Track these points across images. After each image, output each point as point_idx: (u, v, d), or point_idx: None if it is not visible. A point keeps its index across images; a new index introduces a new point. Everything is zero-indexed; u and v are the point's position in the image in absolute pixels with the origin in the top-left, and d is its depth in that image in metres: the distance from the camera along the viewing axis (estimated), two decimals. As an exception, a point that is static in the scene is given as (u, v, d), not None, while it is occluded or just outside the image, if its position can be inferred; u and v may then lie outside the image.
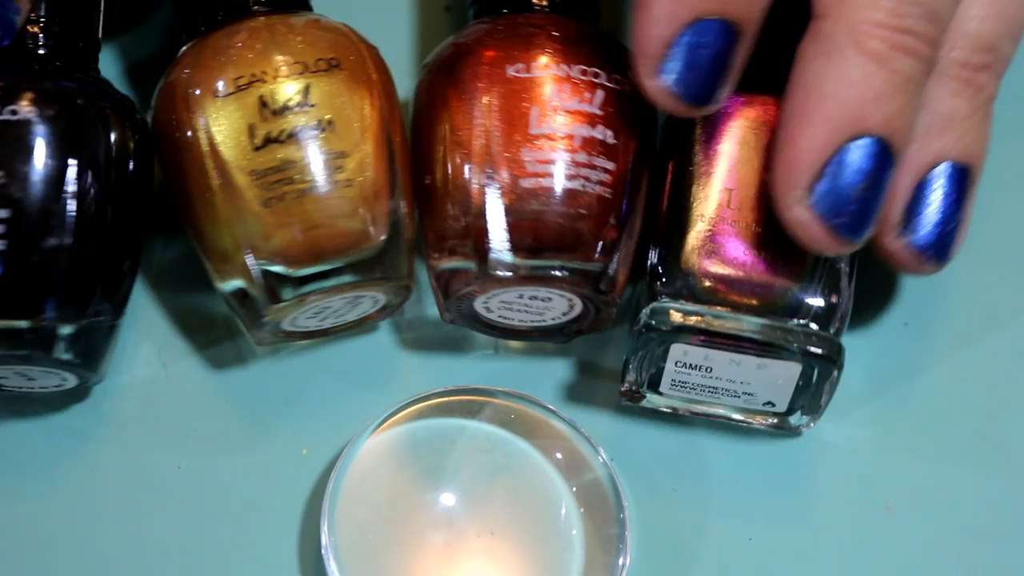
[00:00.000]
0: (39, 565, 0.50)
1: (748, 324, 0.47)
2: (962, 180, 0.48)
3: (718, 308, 0.48)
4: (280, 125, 0.47)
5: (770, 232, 0.48)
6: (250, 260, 0.47)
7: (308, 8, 0.51)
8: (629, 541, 0.50)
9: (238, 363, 0.52)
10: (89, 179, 0.47)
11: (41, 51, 0.48)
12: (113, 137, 0.48)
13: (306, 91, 0.47)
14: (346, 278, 0.48)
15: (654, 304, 0.48)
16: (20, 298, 0.46)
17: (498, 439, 0.51)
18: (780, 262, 0.48)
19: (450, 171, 0.48)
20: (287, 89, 0.47)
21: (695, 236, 0.48)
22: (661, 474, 0.52)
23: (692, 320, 0.47)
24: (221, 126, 0.47)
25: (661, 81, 0.46)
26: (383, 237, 0.48)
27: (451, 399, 0.51)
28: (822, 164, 0.45)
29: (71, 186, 0.46)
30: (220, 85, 0.47)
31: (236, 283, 0.48)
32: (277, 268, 0.47)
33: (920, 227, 0.47)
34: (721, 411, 0.51)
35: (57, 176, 0.46)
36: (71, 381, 0.49)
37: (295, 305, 0.48)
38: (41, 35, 0.48)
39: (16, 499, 0.51)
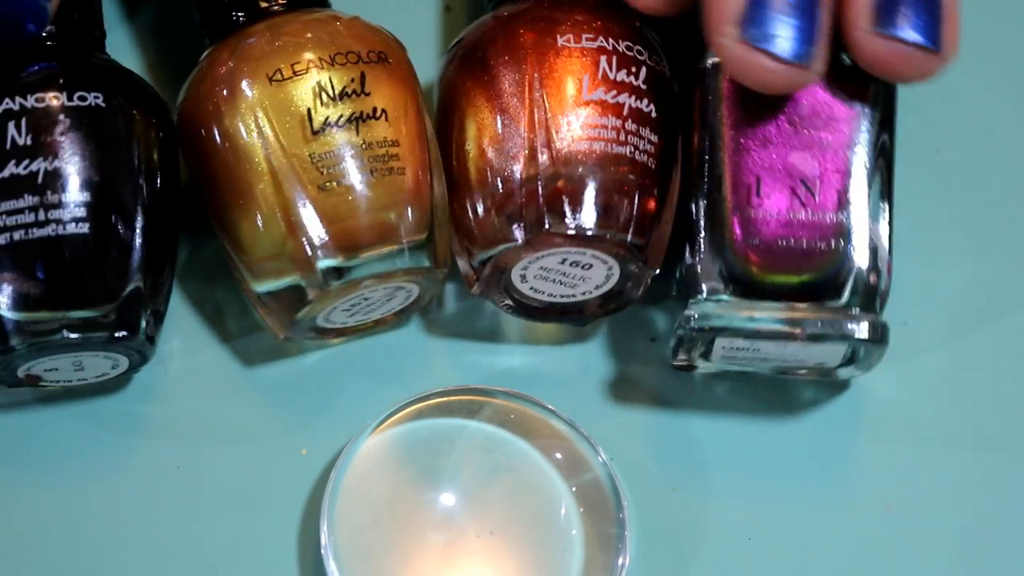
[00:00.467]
0: (37, 564, 0.50)
1: (790, 318, 0.48)
2: None
3: (760, 304, 0.48)
4: (338, 111, 0.48)
5: (807, 208, 0.48)
6: (306, 244, 0.47)
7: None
8: (628, 541, 0.50)
9: (238, 363, 0.52)
10: (154, 159, 0.48)
11: (51, 40, 0.49)
12: (154, 120, 0.49)
13: (362, 79, 0.48)
14: (399, 263, 0.48)
15: (696, 308, 0.48)
16: (107, 280, 0.47)
17: (498, 439, 0.51)
18: (818, 247, 0.48)
19: (493, 139, 0.49)
20: (344, 76, 0.48)
21: (732, 218, 0.49)
22: (661, 474, 0.52)
23: (734, 323, 0.48)
24: (276, 112, 0.48)
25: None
26: (431, 226, 0.49)
27: (451, 399, 0.51)
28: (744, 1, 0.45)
29: (142, 167, 0.48)
30: (274, 72, 0.48)
31: (279, 280, 0.48)
32: (330, 258, 0.47)
33: (894, 14, 0.45)
34: (771, 371, 0.51)
35: (128, 158, 0.47)
36: (122, 366, 0.49)
37: (345, 290, 0.48)
38: (58, 23, 0.49)
39: (14, 498, 0.51)
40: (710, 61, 0.50)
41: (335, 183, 0.47)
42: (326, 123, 0.48)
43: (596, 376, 0.53)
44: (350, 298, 0.49)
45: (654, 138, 0.49)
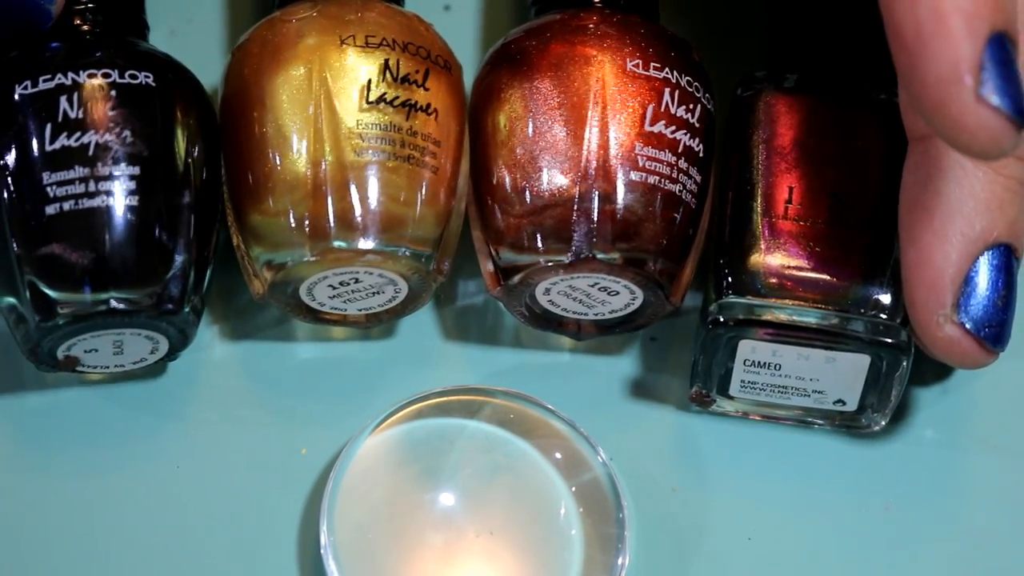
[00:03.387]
0: (37, 563, 0.50)
1: (815, 315, 0.48)
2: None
3: (785, 302, 0.48)
4: (396, 92, 0.49)
5: (834, 228, 0.49)
6: (328, 205, 0.48)
7: None
8: (628, 541, 0.50)
9: (237, 363, 0.52)
10: (201, 141, 0.49)
11: (96, 29, 0.50)
12: (200, 105, 0.50)
13: (426, 74, 0.49)
14: (401, 249, 0.48)
15: (721, 300, 0.48)
16: (154, 251, 0.47)
17: (497, 439, 0.51)
18: (845, 257, 0.48)
19: (539, 147, 0.49)
20: (411, 65, 0.49)
21: (759, 234, 0.49)
22: (661, 474, 0.52)
23: (759, 313, 0.48)
24: (337, 73, 0.49)
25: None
26: (439, 231, 0.49)
27: (450, 399, 0.51)
28: (962, 280, 0.46)
29: (190, 148, 0.48)
30: (348, 36, 0.49)
31: (277, 253, 0.48)
32: (340, 231, 0.48)
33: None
34: (792, 414, 0.51)
35: (177, 136, 0.48)
36: (161, 350, 0.49)
37: (348, 257, 0.48)
38: (105, 14, 0.50)
39: (12, 497, 0.51)
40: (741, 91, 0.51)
41: (371, 155, 0.48)
42: (382, 98, 0.49)
43: (596, 376, 0.53)
44: (344, 271, 0.49)
45: (699, 178, 0.49)
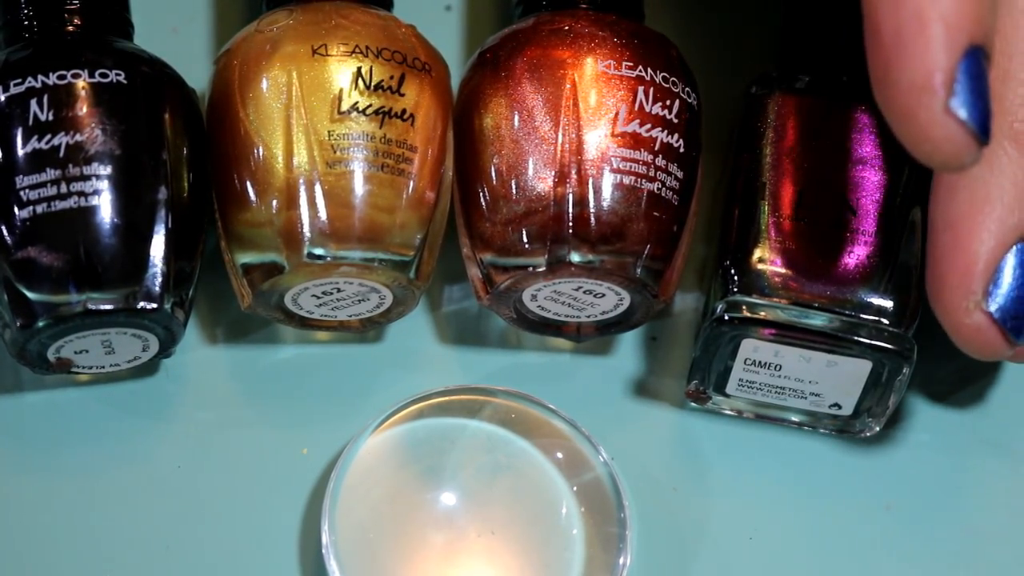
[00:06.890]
0: (38, 563, 0.50)
1: (820, 318, 0.48)
2: None
3: (790, 303, 0.48)
4: (369, 100, 0.49)
5: (841, 232, 0.49)
6: (300, 218, 0.48)
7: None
8: (630, 540, 0.50)
9: (238, 363, 0.52)
10: (179, 136, 0.49)
11: (75, 29, 0.50)
12: (179, 100, 0.49)
13: (401, 79, 0.49)
14: (380, 255, 0.48)
15: (729, 298, 0.48)
16: (130, 250, 0.47)
17: (499, 438, 0.51)
18: (851, 261, 0.48)
19: (518, 152, 0.49)
20: (384, 71, 0.49)
21: (766, 235, 0.49)
22: (661, 474, 0.52)
23: (764, 313, 0.48)
24: (310, 84, 0.48)
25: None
26: (422, 235, 0.49)
27: (452, 398, 0.51)
28: (995, 268, 0.45)
29: (166, 143, 0.48)
30: (320, 45, 0.49)
31: (261, 255, 0.48)
32: (317, 239, 0.48)
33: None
34: (787, 415, 0.51)
35: (151, 133, 0.48)
36: (152, 348, 0.49)
37: (323, 269, 0.48)
38: (84, 12, 0.50)
39: (13, 497, 0.51)
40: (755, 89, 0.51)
41: (344, 165, 0.48)
42: (353, 108, 0.48)
43: (597, 376, 0.53)
44: (324, 282, 0.49)
45: (680, 174, 0.49)
